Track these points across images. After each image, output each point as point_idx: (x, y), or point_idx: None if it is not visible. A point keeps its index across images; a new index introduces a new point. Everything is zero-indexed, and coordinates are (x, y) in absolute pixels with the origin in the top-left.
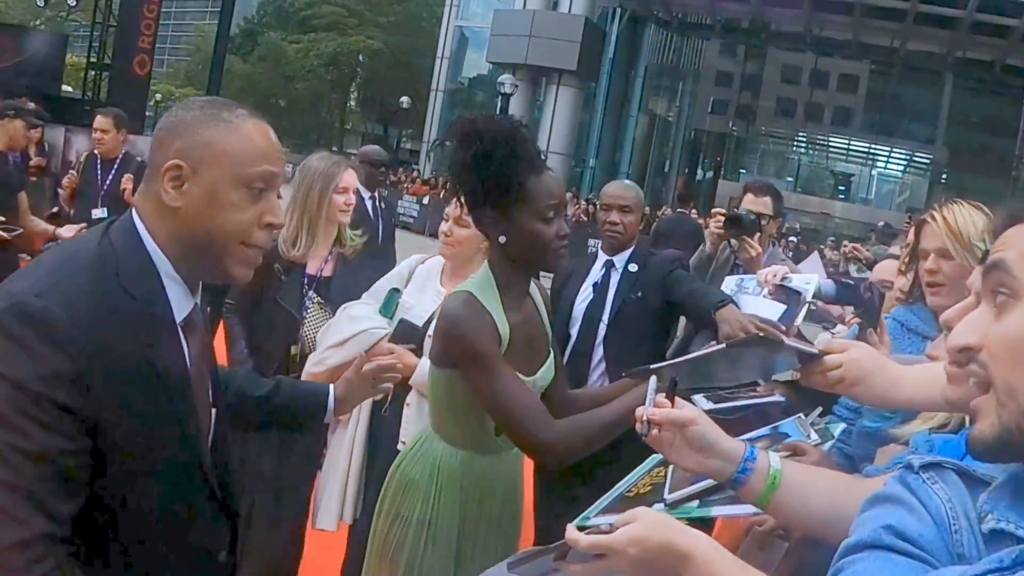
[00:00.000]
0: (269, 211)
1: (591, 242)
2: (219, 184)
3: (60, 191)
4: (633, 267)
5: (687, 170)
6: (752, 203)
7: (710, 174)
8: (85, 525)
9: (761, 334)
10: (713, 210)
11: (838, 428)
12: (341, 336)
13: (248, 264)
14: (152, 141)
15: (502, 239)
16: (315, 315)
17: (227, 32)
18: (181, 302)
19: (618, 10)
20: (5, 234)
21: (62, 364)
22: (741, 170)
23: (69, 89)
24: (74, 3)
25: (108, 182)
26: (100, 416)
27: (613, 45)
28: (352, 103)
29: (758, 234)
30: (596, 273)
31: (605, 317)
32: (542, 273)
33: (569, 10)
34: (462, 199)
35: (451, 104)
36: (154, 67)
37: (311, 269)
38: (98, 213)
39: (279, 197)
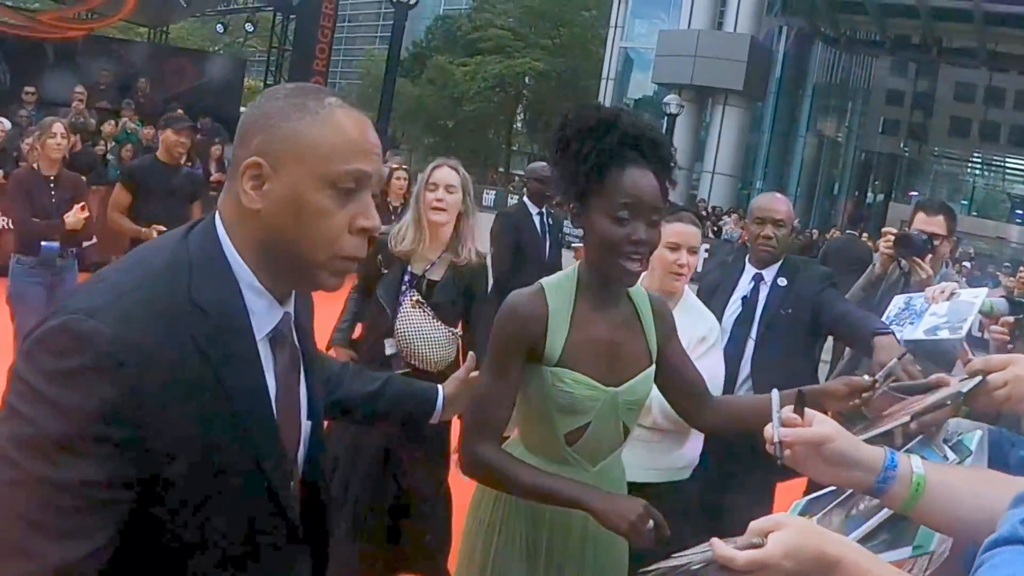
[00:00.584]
0: (361, 214)
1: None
2: (303, 184)
3: None
4: (783, 281)
5: (856, 192)
6: (924, 223)
7: (880, 196)
8: (141, 556)
9: (924, 381)
10: (883, 229)
11: (974, 439)
12: None
13: (339, 274)
14: (235, 136)
15: (583, 234)
16: (410, 312)
17: (397, 56)
18: (265, 315)
19: (784, 28)
20: None
21: (107, 392)
22: (912, 192)
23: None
24: (252, 29)
25: None
26: (155, 444)
27: (780, 64)
28: (518, 124)
29: (929, 255)
30: (745, 286)
31: (753, 333)
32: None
33: (735, 29)
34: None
35: None
36: None
37: (416, 268)
38: None
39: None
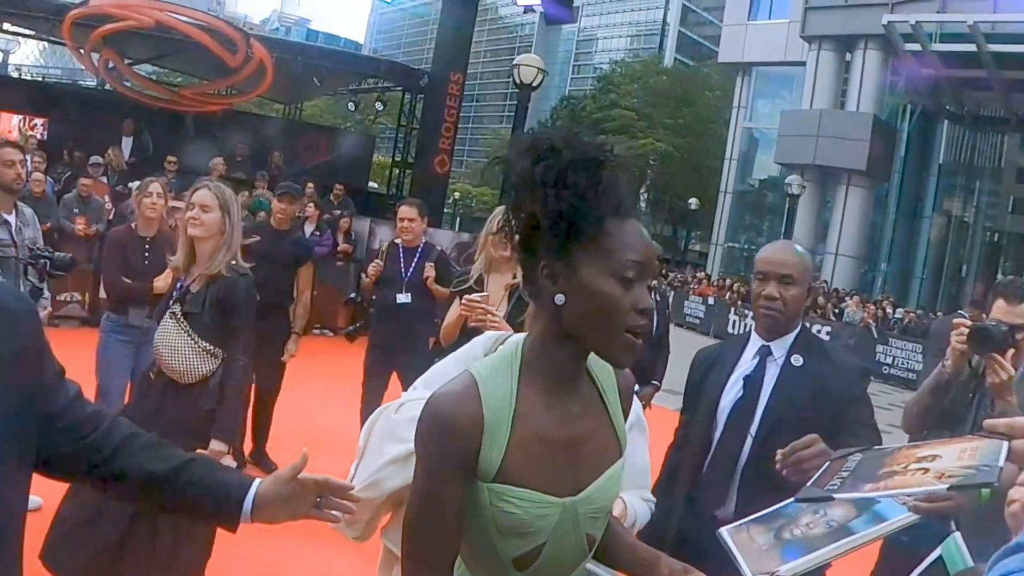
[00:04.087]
0: None
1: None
2: None
3: (363, 276)
4: (797, 359)
5: (986, 274)
6: (1005, 312)
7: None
8: None
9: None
10: (955, 320)
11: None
12: (403, 448)
13: None
14: None
15: (559, 298)
16: (166, 323)
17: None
18: None
19: (908, 107)
20: None
21: None
22: None
23: (375, 185)
24: (381, 108)
25: (411, 269)
26: None
27: (904, 143)
28: (642, 204)
29: (1011, 351)
30: (748, 362)
31: (754, 428)
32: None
33: (857, 108)
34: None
35: (740, 206)
36: (453, 167)
37: (185, 282)
38: (402, 298)
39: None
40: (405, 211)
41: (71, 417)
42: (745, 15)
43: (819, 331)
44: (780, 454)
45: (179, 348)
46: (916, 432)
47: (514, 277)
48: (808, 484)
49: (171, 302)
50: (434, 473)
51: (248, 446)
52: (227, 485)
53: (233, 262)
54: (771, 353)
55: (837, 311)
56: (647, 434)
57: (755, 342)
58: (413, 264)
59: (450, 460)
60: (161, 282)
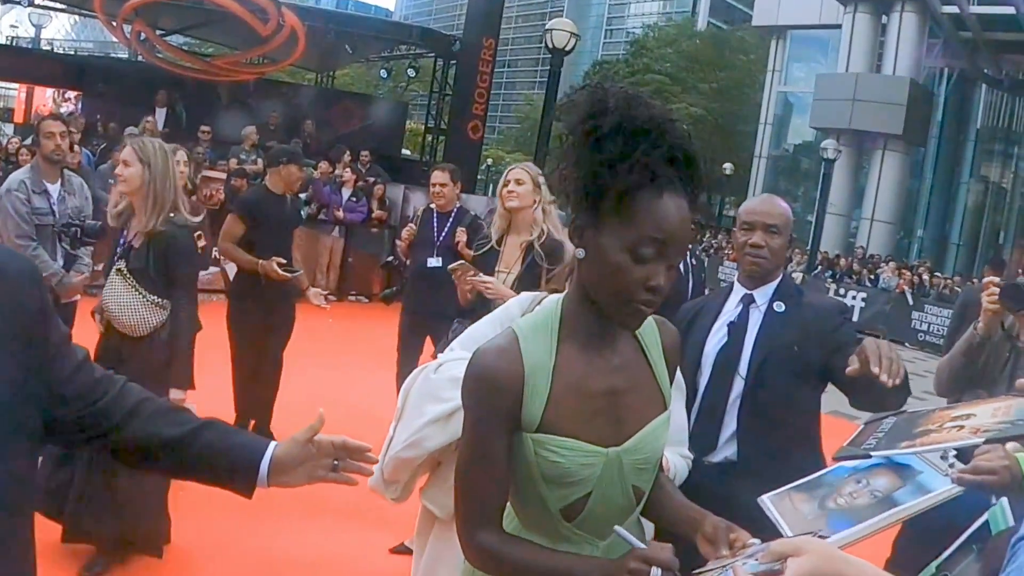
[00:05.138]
0: None
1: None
2: None
3: (398, 242)
4: (779, 306)
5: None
6: None
7: None
8: None
9: None
10: (985, 279)
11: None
12: (444, 407)
13: None
14: None
15: (580, 252)
16: (113, 279)
17: (553, 100)
18: None
19: (945, 70)
20: (288, 275)
21: None
22: None
23: (408, 152)
24: (413, 74)
25: (444, 233)
26: None
27: (941, 107)
28: None
29: None
30: (731, 310)
31: (743, 369)
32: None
33: (894, 72)
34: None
35: (775, 171)
36: (486, 133)
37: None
38: (433, 262)
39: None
40: (437, 176)
41: (79, 382)
42: None
43: (854, 297)
44: None
45: (128, 304)
46: (949, 396)
47: (531, 235)
48: (845, 444)
49: (115, 259)
50: (480, 426)
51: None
52: (242, 448)
53: (172, 215)
54: (754, 301)
55: (872, 277)
56: (684, 393)
57: (738, 291)
58: (446, 229)
59: (494, 412)
60: None
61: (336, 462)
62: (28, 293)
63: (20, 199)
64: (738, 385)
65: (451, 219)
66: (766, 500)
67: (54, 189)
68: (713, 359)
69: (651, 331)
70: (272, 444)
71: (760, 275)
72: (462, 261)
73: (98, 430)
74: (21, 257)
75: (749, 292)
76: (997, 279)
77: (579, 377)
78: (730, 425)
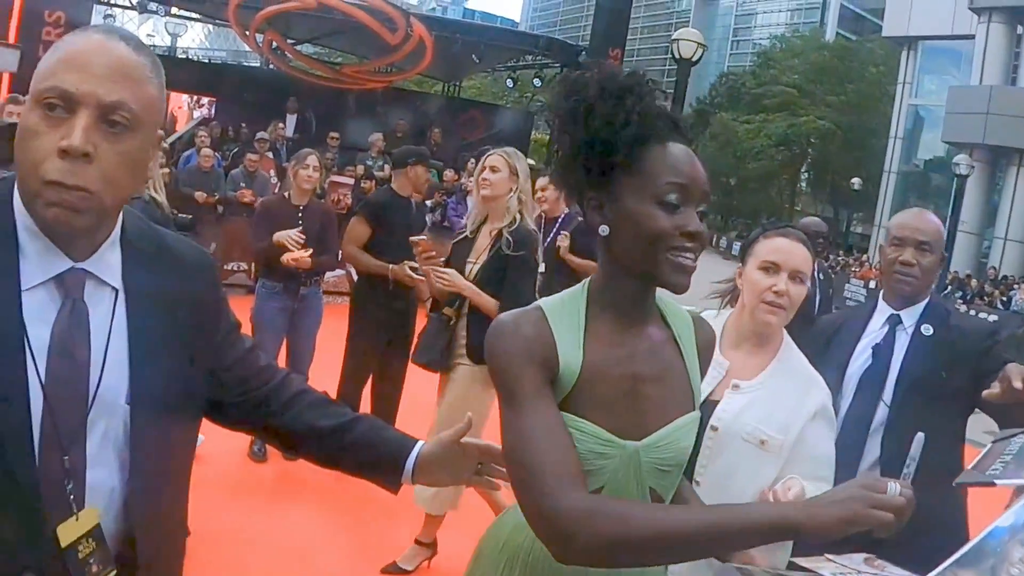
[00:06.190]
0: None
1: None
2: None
3: None
4: (927, 329)
5: None
6: None
7: None
8: None
9: None
10: None
11: None
12: None
13: (52, 204)
14: None
15: (604, 229)
16: None
17: (680, 111)
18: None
19: None
20: (421, 278)
21: None
22: None
23: (532, 162)
24: (539, 85)
25: (548, 239)
26: None
27: None
28: (802, 184)
29: None
30: (876, 331)
31: (887, 396)
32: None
33: None
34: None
35: (904, 187)
36: None
37: None
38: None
39: None
40: (539, 182)
41: (244, 370)
42: None
43: (984, 319)
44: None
45: None
46: None
47: (503, 223)
48: (968, 467)
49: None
50: (522, 383)
51: None
52: (390, 444)
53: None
54: (901, 322)
55: (1005, 299)
56: (834, 425)
57: (883, 310)
58: (551, 235)
59: (532, 361)
60: (287, 257)
61: (480, 465)
62: (205, 284)
63: None
64: (881, 411)
65: (557, 225)
66: None
67: None
68: (856, 382)
69: (685, 323)
70: (419, 443)
71: (909, 295)
72: (423, 236)
73: (256, 415)
74: (199, 249)
75: (896, 312)
76: None
77: (606, 359)
78: (872, 452)
